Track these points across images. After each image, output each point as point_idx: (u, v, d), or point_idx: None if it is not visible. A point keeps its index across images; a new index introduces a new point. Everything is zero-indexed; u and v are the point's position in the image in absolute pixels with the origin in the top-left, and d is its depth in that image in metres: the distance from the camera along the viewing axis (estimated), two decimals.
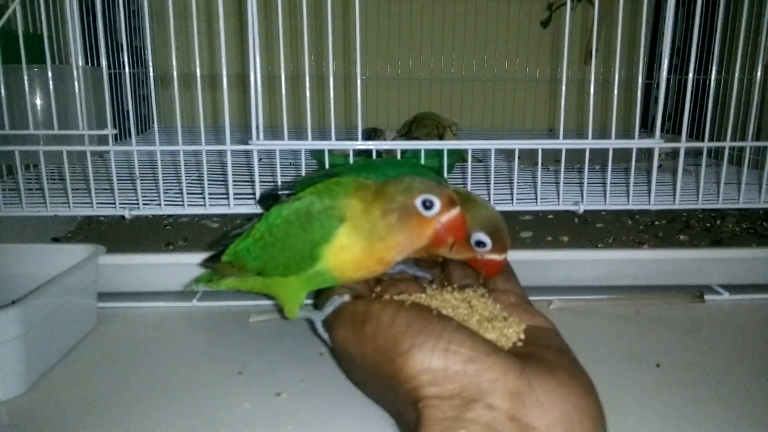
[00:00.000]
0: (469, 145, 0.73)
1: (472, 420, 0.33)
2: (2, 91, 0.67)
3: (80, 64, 0.67)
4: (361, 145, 0.70)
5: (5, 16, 0.66)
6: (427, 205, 0.44)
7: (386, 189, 0.45)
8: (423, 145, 0.72)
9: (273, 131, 0.70)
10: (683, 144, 0.72)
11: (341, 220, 0.45)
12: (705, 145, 0.74)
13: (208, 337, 0.60)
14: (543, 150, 0.72)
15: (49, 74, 0.68)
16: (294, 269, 0.47)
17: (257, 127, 0.67)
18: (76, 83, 0.66)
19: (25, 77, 0.67)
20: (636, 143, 0.70)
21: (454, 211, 0.44)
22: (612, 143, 0.70)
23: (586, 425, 0.33)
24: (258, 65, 0.65)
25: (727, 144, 0.73)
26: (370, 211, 0.45)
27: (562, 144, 0.69)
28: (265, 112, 0.68)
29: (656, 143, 0.70)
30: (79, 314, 0.58)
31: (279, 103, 0.68)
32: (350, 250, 0.45)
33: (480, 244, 0.50)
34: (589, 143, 0.70)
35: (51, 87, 0.67)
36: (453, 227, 0.44)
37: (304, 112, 0.68)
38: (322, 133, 0.72)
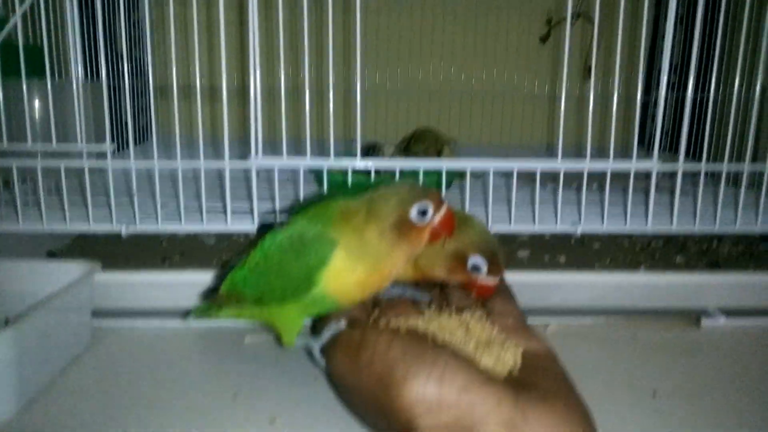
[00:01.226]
0: (467, 163, 0.73)
1: None
2: (0, 104, 0.67)
3: (80, 76, 0.66)
4: (360, 164, 0.70)
5: (6, 30, 0.66)
6: (422, 212, 0.45)
7: (376, 207, 0.45)
8: (422, 163, 0.72)
9: (272, 145, 0.70)
10: (680, 165, 0.72)
11: (334, 243, 0.45)
12: (702, 167, 0.74)
13: (203, 358, 0.59)
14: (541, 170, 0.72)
15: (49, 89, 0.68)
16: (291, 295, 0.47)
17: (257, 144, 0.67)
18: (75, 100, 0.66)
19: (24, 91, 0.67)
20: (634, 165, 0.70)
21: (443, 209, 0.46)
22: (610, 165, 0.70)
23: None
24: (258, 83, 0.65)
25: (725, 166, 0.74)
26: (365, 233, 0.45)
27: (560, 165, 0.69)
28: (265, 125, 0.68)
29: (654, 165, 0.70)
30: (73, 334, 0.57)
31: (279, 116, 0.68)
32: (351, 273, 0.45)
33: (476, 268, 0.50)
34: (587, 165, 0.70)
35: (50, 101, 0.67)
36: (446, 225, 0.46)
37: (304, 125, 0.68)
38: (321, 146, 0.72)
